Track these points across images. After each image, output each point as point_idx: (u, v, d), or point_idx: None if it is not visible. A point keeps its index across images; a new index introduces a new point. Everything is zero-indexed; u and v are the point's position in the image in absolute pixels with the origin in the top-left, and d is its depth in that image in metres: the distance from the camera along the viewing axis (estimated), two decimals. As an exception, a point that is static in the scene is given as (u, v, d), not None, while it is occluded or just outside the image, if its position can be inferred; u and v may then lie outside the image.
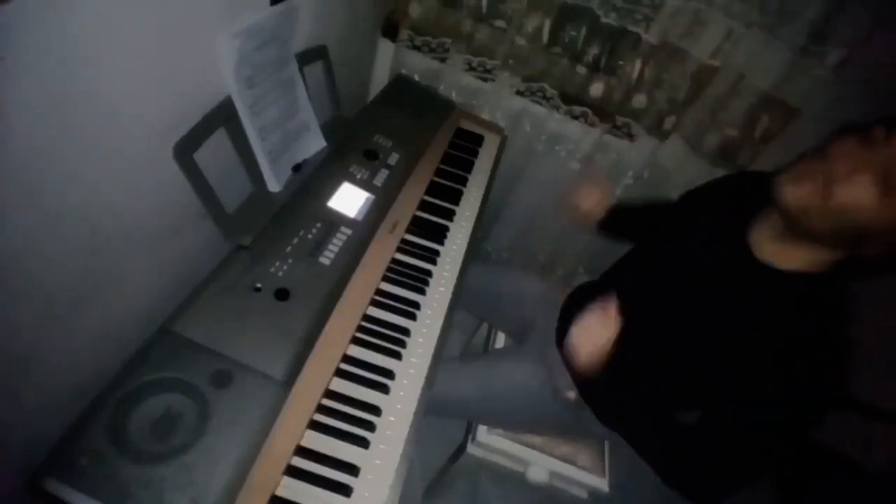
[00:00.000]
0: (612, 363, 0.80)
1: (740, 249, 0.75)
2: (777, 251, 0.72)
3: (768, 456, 0.70)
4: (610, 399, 0.87)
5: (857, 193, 0.60)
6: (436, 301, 0.93)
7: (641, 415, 0.82)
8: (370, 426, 0.73)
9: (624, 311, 0.81)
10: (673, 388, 0.82)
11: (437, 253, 1.01)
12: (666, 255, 0.89)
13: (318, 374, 0.73)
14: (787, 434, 0.69)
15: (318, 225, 0.86)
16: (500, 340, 1.24)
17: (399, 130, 1.12)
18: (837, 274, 0.69)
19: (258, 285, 0.74)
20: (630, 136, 1.50)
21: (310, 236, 0.84)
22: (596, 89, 1.44)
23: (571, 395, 0.93)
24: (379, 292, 0.89)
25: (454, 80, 1.50)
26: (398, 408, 0.76)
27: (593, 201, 1.09)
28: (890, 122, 0.62)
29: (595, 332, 0.80)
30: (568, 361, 0.84)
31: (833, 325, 0.68)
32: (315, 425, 0.70)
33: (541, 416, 1.00)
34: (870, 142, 0.62)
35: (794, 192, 0.65)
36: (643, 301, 0.86)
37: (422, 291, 0.93)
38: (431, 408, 0.80)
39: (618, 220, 1.10)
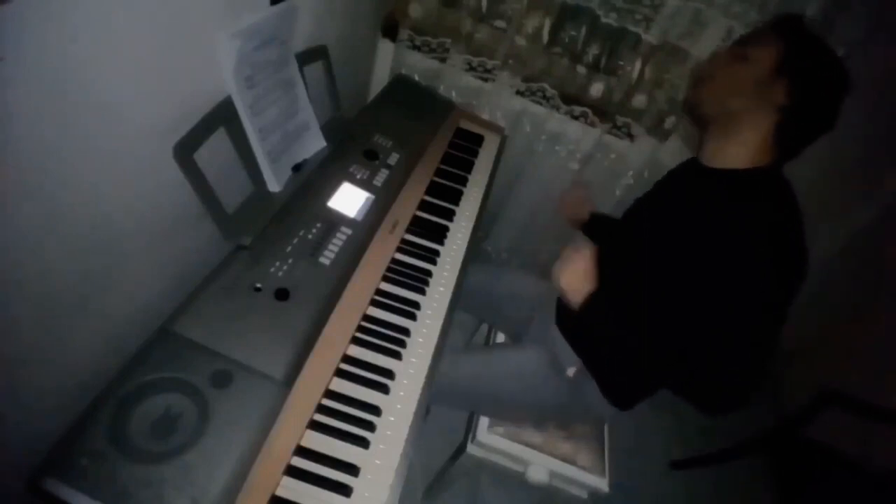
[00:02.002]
0: (595, 293, 0.86)
1: (692, 166, 0.92)
2: (710, 152, 0.87)
3: (767, 337, 0.75)
4: (601, 335, 0.88)
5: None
6: (436, 301, 0.93)
7: (628, 341, 0.84)
8: (370, 426, 0.73)
9: (604, 271, 0.90)
10: (655, 319, 0.84)
11: (437, 253, 1.01)
12: (639, 218, 1.01)
13: (318, 374, 0.73)
14: (770, 314, 0.74)
15: (318, 225, 0.86)
16: (500, 341, 1.24)
17: (399, 130, 1.12)
18: (772, 167, 0.81)
19: (258, 285, 0.74)
20: (630, 136, 1.51)
21: (310, 236, 0.84)
22: (596, 89, 1.44)
23: (572, 371, 0.94)
24: (379, 292, 0.89)
25: (454, 80, 1.51)
26: (398, 408, 0.76)
27: (576, 209, 1.20)
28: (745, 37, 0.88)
29: (573, 263, 0.88)
30: (564, 300, 0.89)
31: (774, 206, 0.77)
32: (315, 425, 0.70)
33: (543, 398, 1.00)
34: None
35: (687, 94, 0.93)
36: (618, 258, 0.94)
37: (422, 291, 0.93)
38: (433, 396, 0.81)
39: (596, 225, 1.19)
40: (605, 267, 0.89)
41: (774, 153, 0.81)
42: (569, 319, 0.95)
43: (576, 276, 0.87)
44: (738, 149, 0.82)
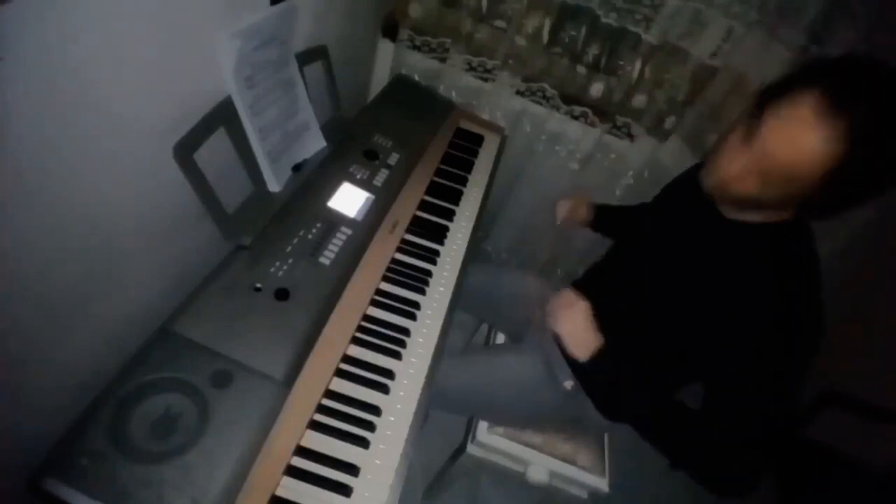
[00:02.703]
0: (602, 349, 0.81)
1: (711, 211, 0.79)
2: (733, 212, 0.76)
3: (774, 421, 0.69)
4: (608, 386, 0.86)
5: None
6: (436, 301, 0.93)
7: (639, 397, 0.80)
8: (370, 426, 0.73)
9: (611, 296, 0.88)
10: (666, 364, 0.83)
11: (437, 253, 1.01)
12: (647, 236, 0.95)
13: (318, 374, 0.73)
14: (787, 389, 0.68)
15: (318, 225, 0.86)
16: (500, 341, 1.24)
17: (399, 130, 1.11)
18: (797, 219, 0.72)
19: (258, 285, 0.74)
20: (630, 136, 1.51)
21: (310, 236, 0.84)
22: (596, 89, 1.44)
23: (569, 384, 0.94)
24: (379, 292, 0.89)
25: (454, 80, 1.50)
26: (398, 408, 0.76)
27: (573, 213, 1.16)
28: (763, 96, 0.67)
29: (568, 314, 0.83)
30: (565, 351, 0.85)
31: (799, 265, 0.71)
32: (315, 425, 0.70)
33: (539, 407, 1.00)
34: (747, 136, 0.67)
35: (704, 181, 0.75)
36: (628, 282, 0.91)
37: (422, 291, 0.93)
38: (432, 400, 0.80)
39: (605, 219, 1.17)
40: (612, 303, 0.85)
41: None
42: (572, 365, 0.90)
43: (576, 328, 0.82)
44: (765, 212, 0.73)
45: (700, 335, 0.76)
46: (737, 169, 0.67)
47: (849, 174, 0.59)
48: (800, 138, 0.60)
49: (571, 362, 0.86)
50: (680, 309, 0.79)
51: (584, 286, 1.02)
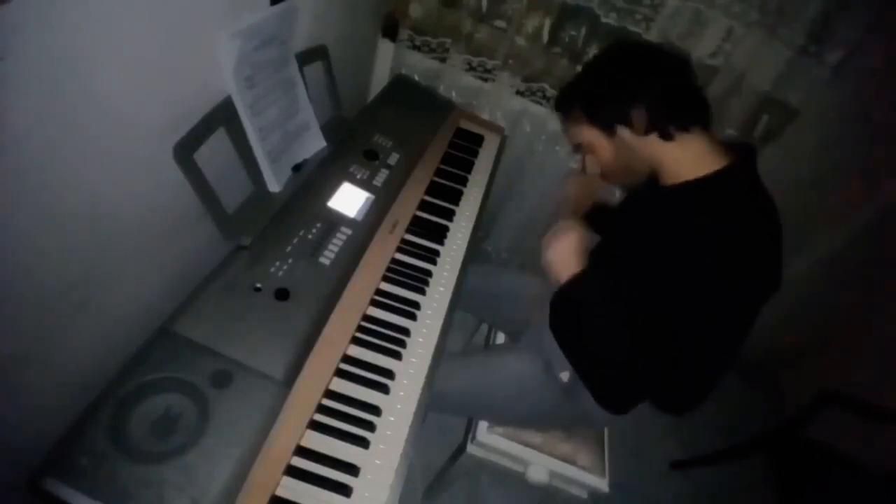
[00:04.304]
0: (582, 273, 0.85)
1: (654, 185, 0.86)
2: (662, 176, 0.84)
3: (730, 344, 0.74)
4: (578, 317, 0.87)
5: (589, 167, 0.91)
6: (436, 301, 0.93)
7: (603, 331, 0.83)
8: (370, 426, 0.73)
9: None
10: (645, 332, 0.82)
11: (437, 253, 1.01)
12: (617, 224, 1.04)
13: (318, 374, 0.73)
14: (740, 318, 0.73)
15: (318, 225, 0.86)
16: (500, 341, 1.24)
17: (399, 130, 1.11)
18: (734, 165, 0.77)
19: (258, 285, 0.74)
20: (630, 136, 1.50)
21: (310, 236, 0.84)
22: (596, 89, 1.44)
23: (566, 376, 0.94)
24: (379, 292, 0.89)
25: (454, 80, 1.50)
26: (398, 408, 0.76)
27: (581, 198, 1.16)
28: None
29: (564, 236, 0.88)
30: (551, 274, 0.88)
31: (732, 213, 0.73)
32: (315, 425, 0.70)
33: (539, 406, 1.00)
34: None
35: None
36: (607, 270, 0.92)
37: (422, 291, 0.93)
38: (431, 403, 0.80)
39: (599, 217, 1.16)
40: (593, 258, 0.89)
41: (718, 157, 0.78)
42: (553, 304, 0.92)
43: (564, 250, 0.87)
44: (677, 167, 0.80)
45: (656, 306, 0.78)
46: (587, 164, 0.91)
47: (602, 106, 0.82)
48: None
49: (558, 293, 0.88)
50: (641, 286, 0.81)
51: None
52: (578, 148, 0.91)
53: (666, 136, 0.79)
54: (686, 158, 0.79)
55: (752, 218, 0.74)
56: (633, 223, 0.94)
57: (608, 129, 0.83)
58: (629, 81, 0.80)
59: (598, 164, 0.89)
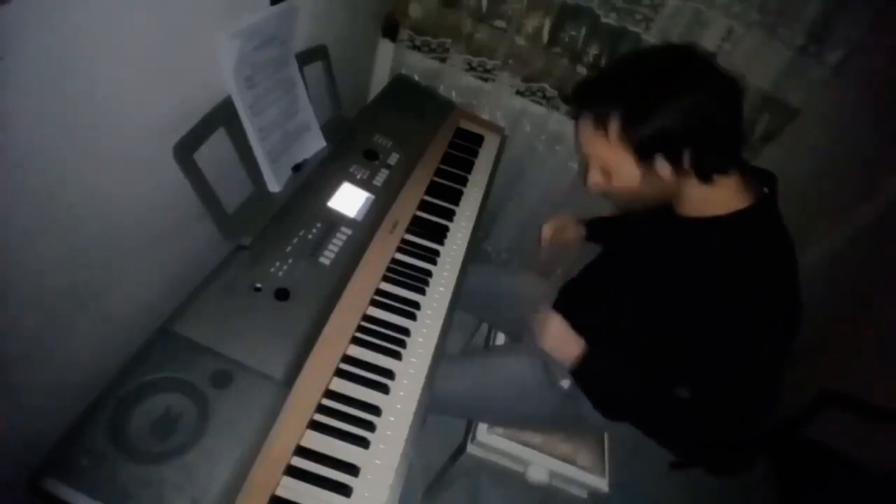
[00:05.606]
0: (586, 352, 0.84)
1: (670, 214, 0.80)
2: (685, 207, 0.78)
3: (757, 401, 0.72)
4: (600, 384, 0.89)
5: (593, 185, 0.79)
6: (436, 301, 0.93)
7: (631, 392, 0.83)
8: (370, 426, 0.73)
9: (592, 304, 0.92)
10: (651, 364, 0.83)
11: (437, 253, 1.01)
12: (622, 244, 0.99)
13: (318, 374, 0.73)
14: (763, 372, 0.71)
15: (318, 225, 0.86)
16: (500, 341, 1.24)
17: (399, 130, 1.12)
18: (756, 205, 0.73)
19: (258, 285, 0.74)
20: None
21: (310, 236, 0.84)
22: (596, 89, 1.44)
23: (566, 384, 0.94)
24: (379, 292, 0.89)
25: (454, 80, 1.50)
26: (398, 408, 0.76)
27: (559, 235, 1.16)
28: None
29: (546, 329, 0.86)
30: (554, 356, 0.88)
31: (759, 253, 0.71)
32: (315, 425, 0.70)
33: (537, 408, 1.00)
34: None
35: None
36: (605, 289, 0.93)
37: (422, 291, 0.93)
38: (430, 405, 0.81)
39: (599, 229, 1.17)
40: (594, 311, 0.90)
41: (746, 195, 0.73)
42: (588, 386, 0.92)
43: (556, 340, 0.86)
44: (710, 204, 0.74)
45: (675, 337, 0.77)
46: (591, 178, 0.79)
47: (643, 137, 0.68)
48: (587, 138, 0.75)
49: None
50: (654, 311, 0.81)
51: (564, 297, 1.06)
52: (586, 157, 0.78)
53: (706, 181, 0.70)
54: (714, 197, 0.73)
55: (785, 259, 0.71)
56: (645, 251, 0.88)
57: (645, 156, 0.69)
58: (694, 111, 0.65)
59: (610, 184, 0.76)
